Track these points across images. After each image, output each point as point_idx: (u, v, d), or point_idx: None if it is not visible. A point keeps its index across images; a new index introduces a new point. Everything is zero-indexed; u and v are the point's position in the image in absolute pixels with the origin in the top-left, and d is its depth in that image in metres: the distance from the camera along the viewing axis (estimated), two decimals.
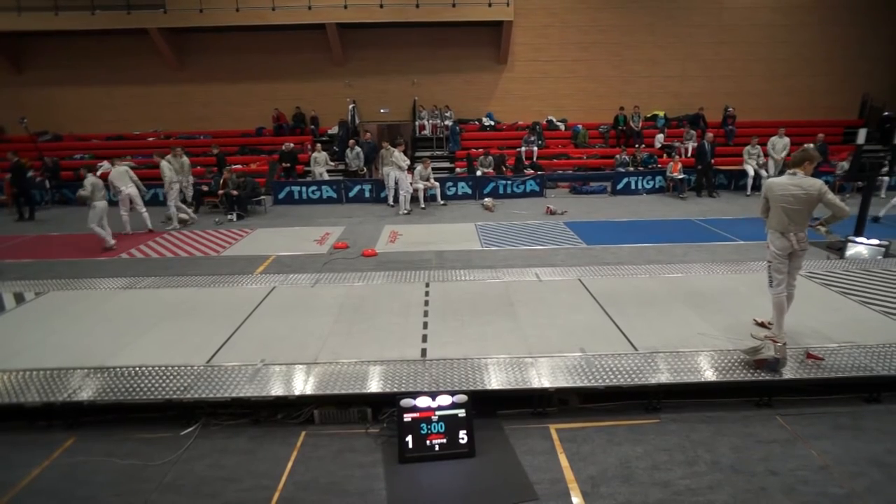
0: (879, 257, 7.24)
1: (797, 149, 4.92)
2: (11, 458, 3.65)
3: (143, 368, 4.32)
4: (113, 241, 9.16)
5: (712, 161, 13.18)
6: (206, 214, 11.98)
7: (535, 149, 15.42)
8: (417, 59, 16.81)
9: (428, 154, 15.60)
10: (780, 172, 4.51)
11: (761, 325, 4.98)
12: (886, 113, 15.45)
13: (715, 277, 6.41)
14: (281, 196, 13.27)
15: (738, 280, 6.28)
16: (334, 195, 13.28)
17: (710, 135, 13.46)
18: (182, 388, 4.04)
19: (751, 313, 5.24)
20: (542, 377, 4.12)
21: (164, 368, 4.31)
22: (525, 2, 16.01)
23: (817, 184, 4.38)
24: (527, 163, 14.93)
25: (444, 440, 3.57)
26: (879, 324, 5.00)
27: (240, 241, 9.54)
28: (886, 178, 12.28)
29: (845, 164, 11.82)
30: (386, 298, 5.91)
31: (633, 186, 13.69)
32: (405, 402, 3.64)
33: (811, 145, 4.46)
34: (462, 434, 3.59)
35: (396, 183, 12.10)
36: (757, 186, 13.13)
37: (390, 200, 12.62)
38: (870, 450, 3.56)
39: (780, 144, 13.10)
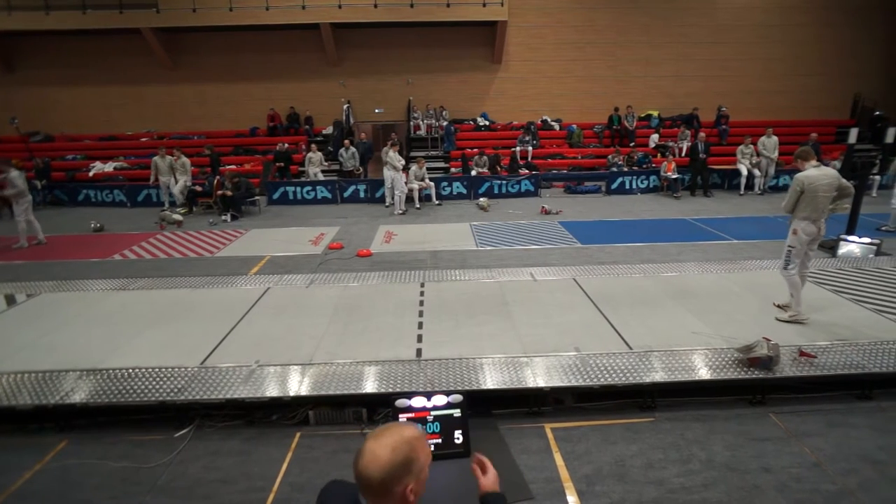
0: (871, 255, 7.30)
1: (792, 148, 5.27)
2: (3, 462, 3.61)
3: (137, 370, 4.29)
4: (25, 243, 9.29)
5: (706, 160, 13.24)
6: (200, 215, 11.93)
7: (530, 148, 15.45)
8: (412, 58, 16.80)
9: (423, 154, 15.59)
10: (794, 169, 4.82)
11: (779, 306, 5.35)
12: (878, 112, 15.59)
13: (709, 276, 6.44)
14: (275, 196, 13.22)
15: (731, 279, 6.31)
16: (329, 195, 13.25)
17: (702, 134, 13.54)
18: (176, 390, 4.01)
19: (745, 312, 5.29)
20: (538, 376, 4.12)
21: (157, 370, 4.28)
22: (519, 1, 16.04)
23: (834, 171, 5.07)
24: (522, 162, 14.96)
25: (440, 440, 3.56)
26: (871, 321, 5.04)
27: (234, 242, 9.50)
28: (878, 177, 12.41)
29: (837, 164, 11.88)
30: (381, 299, 5.90)
31: (627, 186, 13.74)
32: (400, 402, 3.63)
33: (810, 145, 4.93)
34: (457, 434, 3.58)
35: (392, 183, 12.10)
36: (750, 186, 13.24)
37: (389, 200, 12.59)
38: (862, 447, 3.58)
39: (770, 144, 13.21)
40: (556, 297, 5.81)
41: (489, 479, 1.55)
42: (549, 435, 3.79)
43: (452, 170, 15.53)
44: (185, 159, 12.73)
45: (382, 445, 1.30)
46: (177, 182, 12.65)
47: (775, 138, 13.22)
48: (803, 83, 17.14)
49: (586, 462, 3.49)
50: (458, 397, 3.67)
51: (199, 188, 12.37)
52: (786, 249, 5.12)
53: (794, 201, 5.03)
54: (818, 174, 4.92)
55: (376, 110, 17.40)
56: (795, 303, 5.09)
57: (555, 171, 15.04)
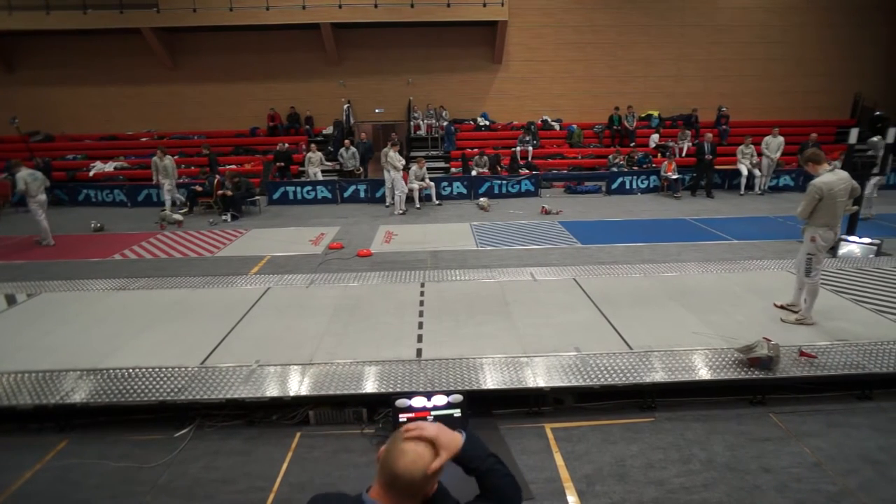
0: (871, 255, 7.30)
1: (792, 148, 5.18)
2: (3, 462, 3.61)
3: (137, 370, 4.29)
4: (52, 241, 9.37)
5: (713, 161, 13.16)
6: (200, 215, 11.93)
7: (531, 148, 15.44)
8: (412, 58, 16.81)
9: (423, 154, 15.58)
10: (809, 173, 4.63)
11: (782, 307, 5.33)
12: (878, 112, 15.58)
13: (709, 276, 6.44)
14: (276, 196, 13.22)
15: (731, 279, 6.31)
16: (329, 195, 13.25)
17: (709, 135, 13.44)
18: (176, 390, 4.02)
19: (745, 312, 5.29)
20: (538, 376, 4.12)
21: (157, 370, 4.29)
22: (519, 1, 16.04)
23: (846, 172, 4.96)
24: (522, 162, 14.95)
25: None
26: (871, 322, 5.05)
27: (234, 242, 9.50)
28: (878, 177, 12.37)
29: (837, 164, 11.88)
30: (381, 299, 5.90)
31: (627, 186, 13.73)
32: (400, 402, 3.63)
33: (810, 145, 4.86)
34: None
35: (392, 183, 12.09)
36: (750, 186, 13.23)
37: (389, 200, 12.58)
38: (862, 447, 3.58)
39: (774, 144, 13.17)
40: (556, 297, 5.81)
41: (447, 445, 1.31)
42: (550, 435, 3.79)
43: (453, 170, 15.53)
44: (167, 161, 12.15)
45: (424, 444, 1.26)
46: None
47: (781, 138, 13.16)
48: (803, 83, 17.14)
49: (586, 462, 3.49)
50: (458, 397, 3.67)
51: (199, 188, 12.36)
52: (805, 258, 4.96)
53: (811, 209, 4.86)
54: (835, 179, 4.75)
55: (376, 110, 17.40)
56: (807, 308, 5.01)
57: (555, 171, 15.04)
